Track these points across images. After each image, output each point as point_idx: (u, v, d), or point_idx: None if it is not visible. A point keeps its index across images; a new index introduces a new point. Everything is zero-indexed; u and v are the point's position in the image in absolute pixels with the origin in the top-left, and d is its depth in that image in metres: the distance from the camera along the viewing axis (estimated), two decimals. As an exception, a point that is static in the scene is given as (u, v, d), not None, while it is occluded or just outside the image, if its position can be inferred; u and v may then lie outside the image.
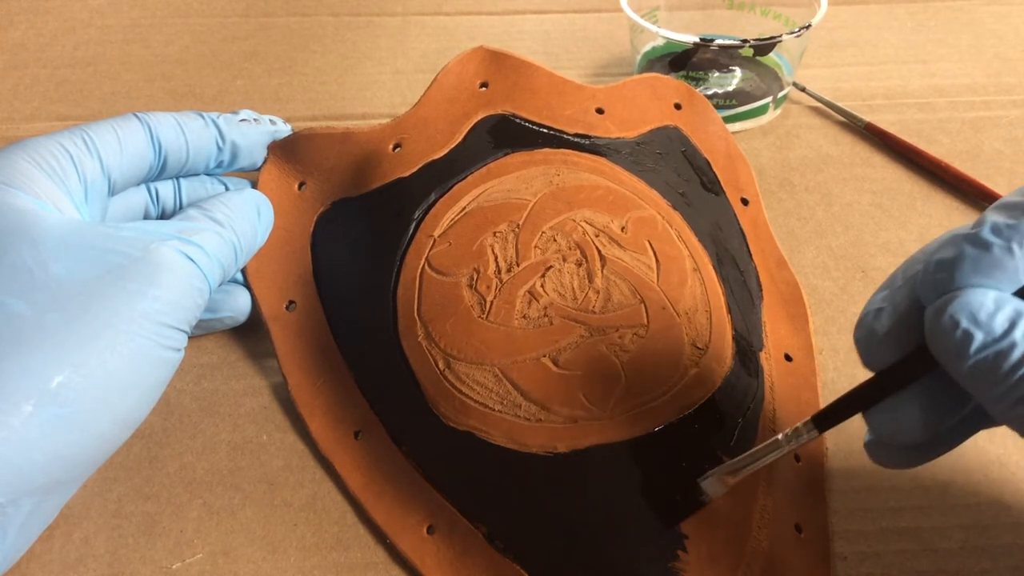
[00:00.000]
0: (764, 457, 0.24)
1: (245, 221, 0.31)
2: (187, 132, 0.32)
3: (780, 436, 0.24)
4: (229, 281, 0.34)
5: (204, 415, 0.32)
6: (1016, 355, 0.18)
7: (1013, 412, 0.19)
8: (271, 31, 0.56)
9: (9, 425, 0.23)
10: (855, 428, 0.31)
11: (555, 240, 0.31)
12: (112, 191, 0.30)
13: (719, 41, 0.42)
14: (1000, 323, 0.19)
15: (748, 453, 0.25)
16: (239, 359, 0.34)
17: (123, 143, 0.30)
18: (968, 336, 0.19)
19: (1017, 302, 0.19)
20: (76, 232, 0.26)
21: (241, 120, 0.34)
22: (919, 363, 0.21)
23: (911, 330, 0.21)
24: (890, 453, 0.23)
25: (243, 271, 0.33)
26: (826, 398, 0.33)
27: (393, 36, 0.55)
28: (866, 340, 0.22)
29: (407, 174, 0.33)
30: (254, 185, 0.35)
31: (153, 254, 0.26)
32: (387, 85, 0.50)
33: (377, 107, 0.49)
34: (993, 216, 0.20)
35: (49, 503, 0.25)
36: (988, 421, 0.23)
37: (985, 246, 0.19)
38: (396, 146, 0.34)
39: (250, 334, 0.35)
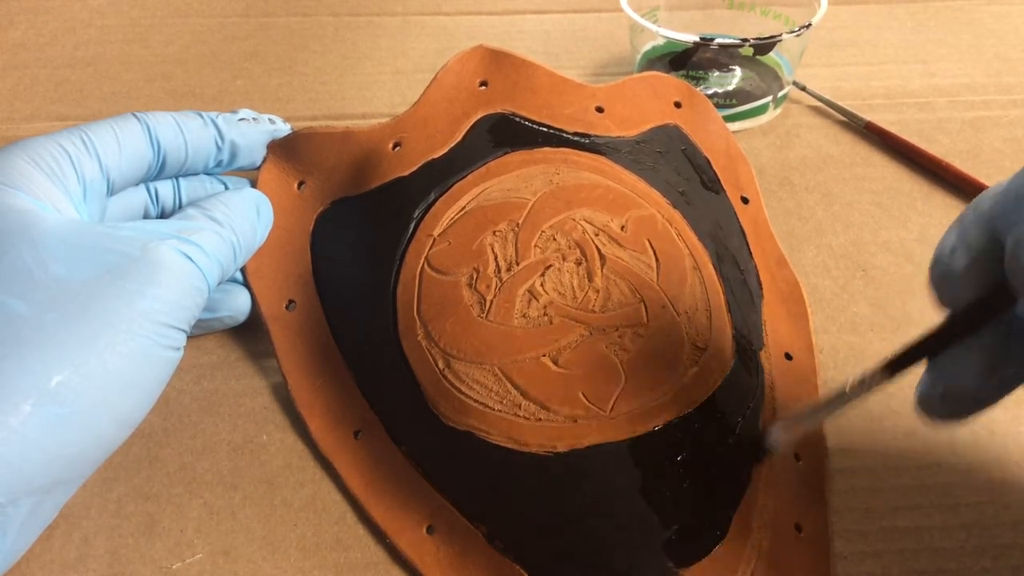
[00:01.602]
0: (830, 407, 0.23)
1: (244, 220, 0.31)
2: (186, 132, 0.32)
3: (847, 387, 0.23)
4: (228, 280, 0.34)
5: (204, 415, 0.32)
6: None
7: None
8: (271, 31, 0.56)
9: (8, 425, 0.22)
10: (856, 428, 0.31)
11: (555, 239, 0.31)
12: (111, 191, 0.30)
13: (719, 40, 0.42)
14: None
15: (814, 404, 0.24)
16: (239, 359, 0.34)
17: (122, 143, 0.30)
18: None
19: None
20: (75, 232, 0.26)
21: (240, 119, 0.34)
22: (997, 301, 0.20)
23: (989, 266, 0.20)
24: (945, 403, 0.22)
25: (242, 270, 0.33)
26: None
27: (393, 36, 0.55)
28: (942, 279, 0.22)
29: (407, 173, 0.33)
30: (254, 184, 0.35)
31: (152, 253, 0.26)
32: (387, 85, 0.50)
33: (377, 107, 0.49)
34: None
35: (49, 503, 0.25)
36: None
37: None
38: (396, 145, 0.34)
39: (250, 334, 0.35)
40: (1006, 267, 0.20)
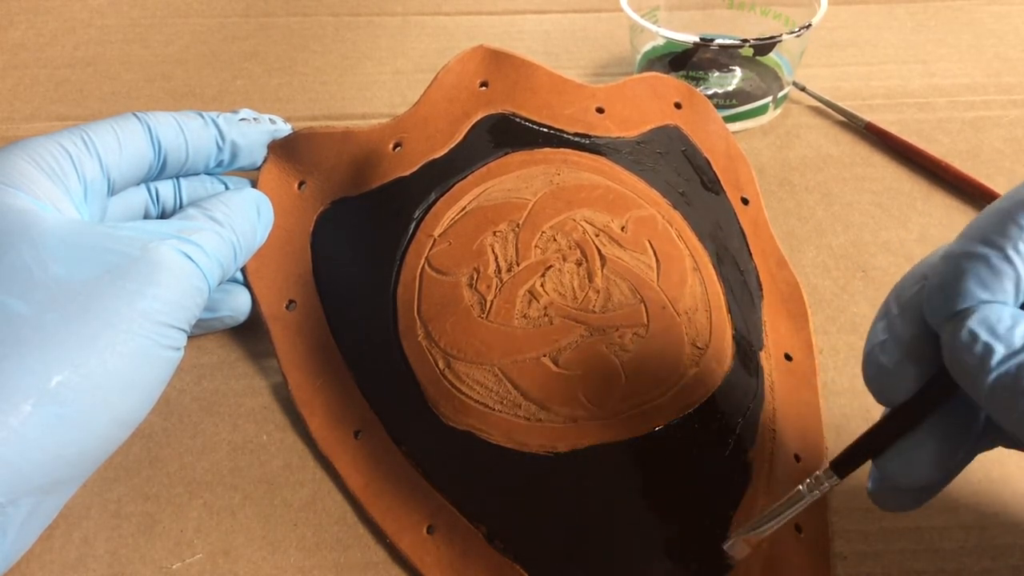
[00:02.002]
0: (786, 512, 0.23)
1: (244, 220, 0.31)
2: (187, 132, 0.32)
3: (801, 487, 0.23)
4: (228, 280, 0.34)
5: (204, 415, 0.32)
6: None
7: None
8: (271, 31, 0.56)
9: (8, 425, 0.22)
10: (855, 429, 0.31)
11: (555, 240, 0.31)
12: (112, 191, 0.30)
13: (719, 41, 0.42)
14: (1020, 335, 0.18)
15: (769, 511, 0.24)
16: (239, 359, 0.34)
17: (123, 143, 0.30)
18: (989, 350, 0.18)
19: None
20: (75, 232, 0.26)
21: (241, 119, 0.34)
22: (937, 391, 0.20)
23: (922, 357, 0.21)
24: (897, 497, 0.23)
25: (243, 270, 0.33)
26: (826, 397, 0.33)
27: (393, 36, 0.55)
28: (877, 377, 0.22)
29: (407, 173, 0.33)
30: (254, 184, 0.35)
31: (152, 253, 0.26)
32: (387, 85, 0.50)
33: (377, 107, 0.49)
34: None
35: (49, 503, 0.25)
36: (985, 445, 0.23)
37: (983, 259, 0.19)
38: (396, 145, 0.34)
39: (250, 334, 0.35)
40: (946, 363, 0.20)
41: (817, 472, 0.23)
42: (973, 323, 0.19)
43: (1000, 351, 0.18)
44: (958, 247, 0.20)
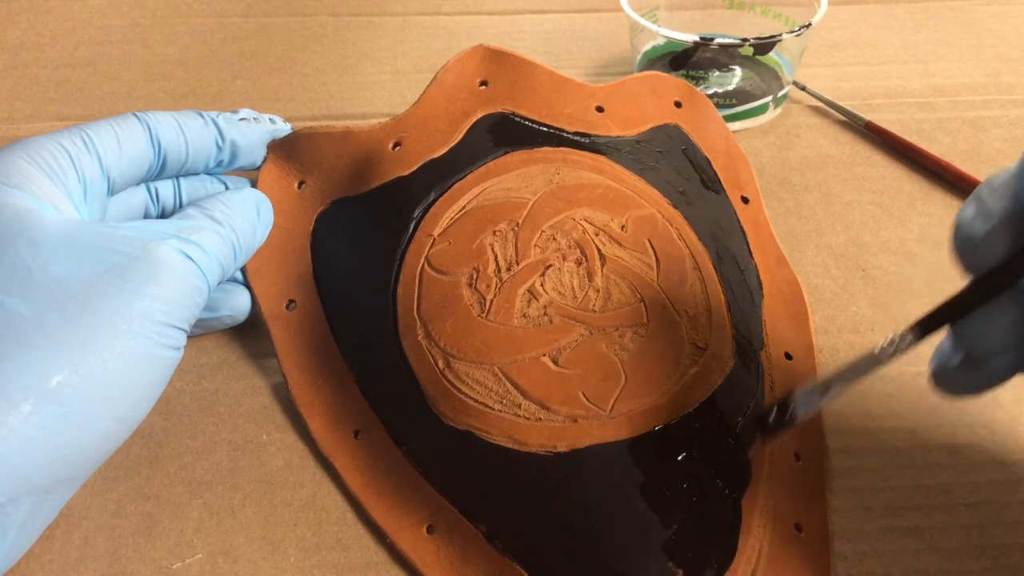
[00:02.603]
0: (861, 373, 0.24)
1: (244, 220, 0.31)
2: (186, 131, 0.32)
3: (876, 349, 0.23)
4: (228, 280, 0.34)
5: (204, 415, 0.32)
6: None
7: None
8: (271, 31, 0.56)
9: (8, 424, 0.22)
10: (856, 428, 0.31)
11: (555, 239, 0.31)
12: (111, 191, 0.30)
13: (719, 40, 0.42)
14: None
15: (843, 368, 0.24)
16: (239, 359, 0.34)
17: (122, 143, 0.30)
18: None
19: None
20: (75, 231, 0.26)
21: (241, 119, 0.34)
22: (1021, 262, 0.21)
23: (1012, 227, 0.21)
24: (963, 370, 0.23)
25: (243, 270, 0.33)
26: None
27: (393, 36, 0.55)
28: (964, 243, 0.22)
29: (407, 173, 0.33)
30: (254, 184, 0.35)
31: (152, 253, 0.26)
32: (387, 85, 0.50)
33: (377, 107, 0.49)
34: None
35: (49, 503, 0.25)
36: None
37: None
38: (396, 145, 0.34)
39: (250, 334, 0.35)
40: None
41: (895, 334, 0.23)
42: None
43: None
44: None
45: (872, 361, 0.24)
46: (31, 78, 0.51)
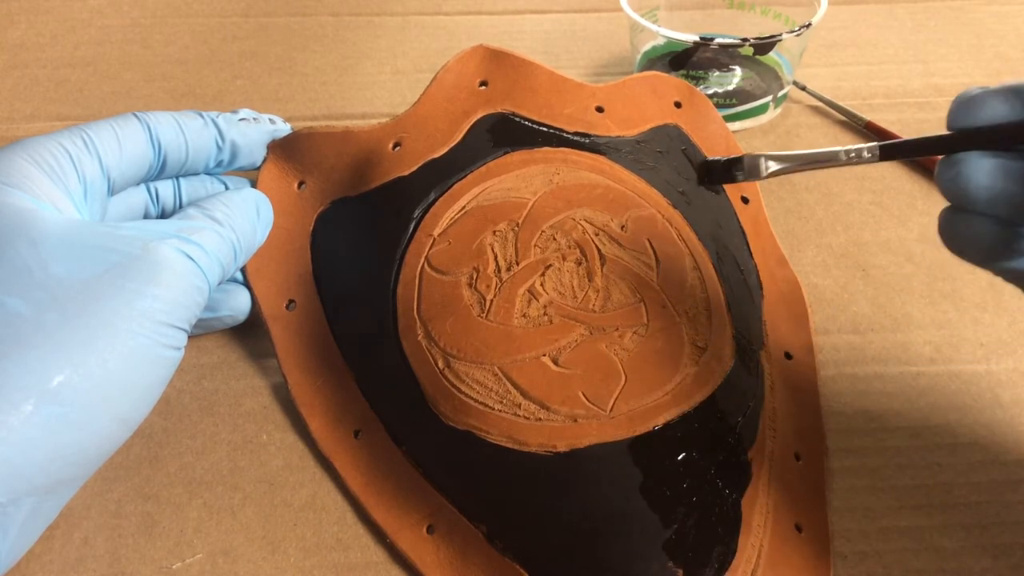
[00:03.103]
0: (817, 161, 0.25)
1: (244, 220, 0.31)
2: (186, 131, 0.32)
3: (841, 150, 0.24)
4: (228, 280, 0.34)
5: (204, 415, 0.32)
6: None
7: None
8: (271, 31, 0.56)
9: (9, 425, 0.22)
10: (856, 428, 0.31)
11: (555, 239, 0.31)
12: (112, 191, 0.30)
13: (719, 40, 0.42)
14: None
15: (804, 152, 0.25)
16: (239, 359, 0.34)
17: (123, 143, 0.30)
18: None
19: None
20: (75, 231, 0.26)
21: (240, 119, 0.34)
22: (1010, 133, 0.22)
23: (1008, 101, 0.22)
24: (962, 226, 0.24)
25: (243, 270, 0.33)
26: (826, 397, 0.33)
27: (393, 36, 0.55)
28: (959, 100, 0.23)
29: (407, 173, 0.33)
30: (254, 184, 0.35)
31: (153, 253, 0.26)
32: (387, 85, 0.50)
33: (377, 107, 0.49)
34: None
35: (50, 503, 0.25)
36: None
37: None
38: (396, 145, 0.34)
39: (250, 334, 0.35)
40: None
41: (862, 144, 0.24)
42: None
43: None
44: None
45: (831, 159, 0.24)
46: (31, 78, 0.51)
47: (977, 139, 0.22)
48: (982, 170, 0.22)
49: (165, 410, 0.32)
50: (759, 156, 0.27)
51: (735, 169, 0.29)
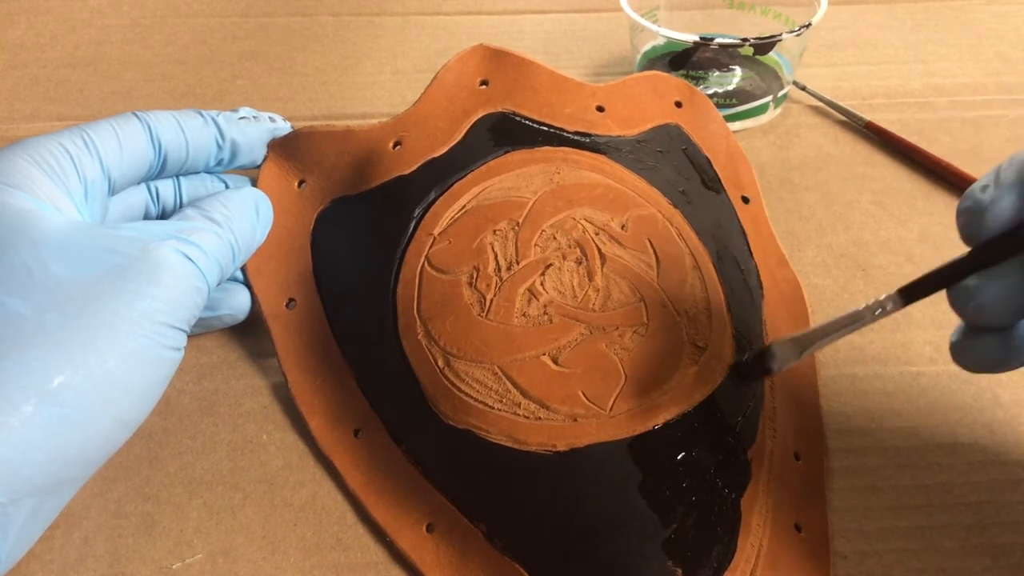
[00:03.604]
0: (843, 328, 0.24)
1: (243, 220, 0.31)
2: (187, 131, 0.32)
3: (862, 307, 0.23)
4: (228, 279, 0.34)
5: (204, 415, 0.32)
6: None
7: None
8: (271, 31, 0.56)
9: (9, 425, 0.22)
10: (856, 428, 0.31)
11: (555, 238, 0.31)
12: (112, 190, 0.30)
13: (719, 40, 0.42)
14: None
15: (826, 323, 0.24)
16: (239, 359, 0.34)
17: (123, 142, 0.30)
18: None
19: None
20: (75, 232, 0.26)
21: (241, 118, 0.34)
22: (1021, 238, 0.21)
23: (1020, 202, 0.21)
24: (974, 347, 0.23)
25: (243, 269, 0.33)
26: (826, 397, 0.33)
27: (393, 36, 0.55)
28: (970, 212, 0.22)
29: (407, 172, 0.33)
30: (254, 183, 0.35)
31: (152, 254, 0.26)
32: (387, 85, 0.50)
33: (377, 107, 0.49)
34: None
35: (50, 503, 0.25)
36: None
37: None
38: (396, 144, 0.34)
39: (249, 334, 0.35)
40: None
41: (880, 298, 0.23)
42: None
43: None
44: None
45: (855, 321, 0.24)
46: (31, 78, 0.51)
47: (998, 252, 0.21)
48: (1006, 291, 0.21)
49: (165, 410, 0.32)
50: (785, 340, 0.26)
51: (768, 362, 0.27)
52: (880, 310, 0.23)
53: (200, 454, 0.31)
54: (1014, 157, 0.22)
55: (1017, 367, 0.23)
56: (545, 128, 0.34)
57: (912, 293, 0.23)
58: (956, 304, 0.23)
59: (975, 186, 0.22)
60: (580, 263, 0.30)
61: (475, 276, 0.30)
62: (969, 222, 0.22)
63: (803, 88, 0.48)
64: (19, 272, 0.25)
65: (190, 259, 0.27)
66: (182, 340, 0.28)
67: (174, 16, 0.57)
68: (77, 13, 0.58)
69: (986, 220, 0.22)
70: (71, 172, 0.28)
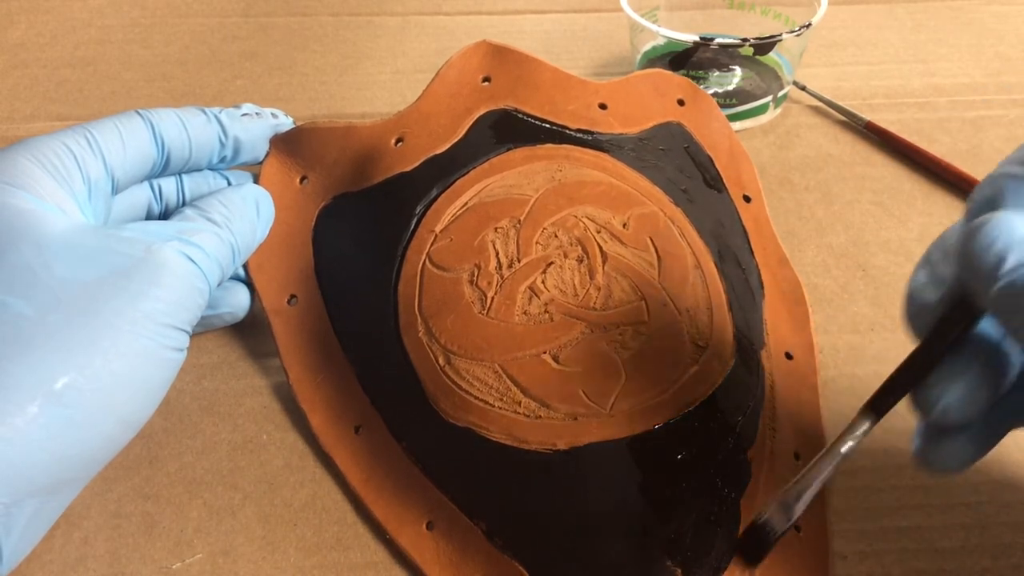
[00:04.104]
0: (828, 469, 0.23)
1: (243, 220, 0.31)
2: (189, 128, 0.32)
3: (839, 443, 0.23)
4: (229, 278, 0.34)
5: (204, 415, 0.32)
6: None
7: None
8: (271, 31, 0.56)
9: (13, 426, 0.22)
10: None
11: (556, 236, 0.31)
12: (116, 189, 0.30)
13: (719, 40, 0.42)
14: None
15: (807, 473, 0.24)
16: (239, 358, 0.34)
17: (126, 141, 0.30)
18: (1001, 255, 0.19)
19: None
20: (78, 233, 0.26)
21: (243, 115, 0.34)
22: (960, 316, 0.21)
23: (960, 295, 0.21)
24: (945, 447, 0.23)
25: (244, 265, 0.33)
26: (826, 397, 0.33)
27: (393, 36, 0.55)
28: (916, 313, 0.22)
29: (409, 169, 0.33)
30: (256, 179, 0.35)
31: (155, 255, 0.26)
32: (387, 85, 0.50)
33: (377, 107, 0.49)
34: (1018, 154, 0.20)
35: (53, 504, 0.25)
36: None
37: (1018, 177, 0.20)
38: (398, 140, 0.34)
39: (250, 333, 0.35)
40: (959, 255, 0.20)
41: (850, 423, 0.23)
42: (990, 227, 0.19)
43: (1012, 258, 0.19)
44: (998, 170, 0.20)
45: (835, 454, 0.24)
46: (31, 78, 0.51)
47: (945, 333, 0.22)
48: (970, 384, 0.21)
49: (165, 410, 0.32)
50: (771, 505, 0.25)
51: (766, 535, 0.25)
52: (860, 431, 0.23)
53: (200, 454, 0.31)
54: (944, 240, 0.22)
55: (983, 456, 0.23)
56: (547, 125, 0.34)
57: (882, 404, 0.23)
58: (923, 408, 0.22)
59: (914, 287, 0.23)
60: (581, 261, 0.30)
61: (476, 274, 0.30)
62: (918, 323, 0.23)
63: (803, 88, 0.48)
64: (23, 273, 0.25)
65: (192, 260, 0.27)
66: (185, 341, 0.28)
67: (174, 16, 0.57)
68: (77, 13, 0.58)
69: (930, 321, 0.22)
70: (75, 172, 0.28)
